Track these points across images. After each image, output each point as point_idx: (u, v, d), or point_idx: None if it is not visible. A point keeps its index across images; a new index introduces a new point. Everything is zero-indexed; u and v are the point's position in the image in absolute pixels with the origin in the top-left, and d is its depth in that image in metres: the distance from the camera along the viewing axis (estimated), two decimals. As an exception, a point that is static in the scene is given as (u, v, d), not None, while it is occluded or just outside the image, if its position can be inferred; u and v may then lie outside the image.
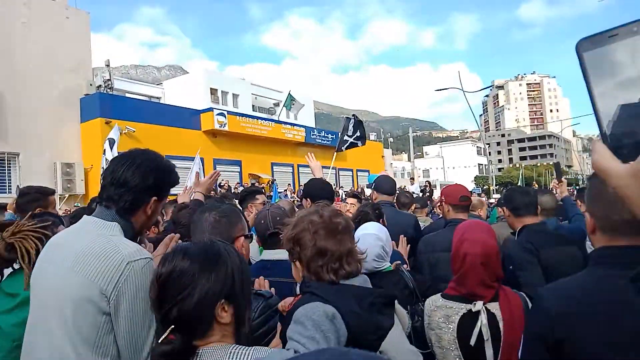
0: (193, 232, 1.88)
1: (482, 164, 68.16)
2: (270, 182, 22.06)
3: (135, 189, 1.52)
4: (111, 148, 13.84)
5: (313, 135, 26.11)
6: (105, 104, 16.41)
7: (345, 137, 10.69)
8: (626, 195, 0.48)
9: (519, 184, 43.76)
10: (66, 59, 16.51)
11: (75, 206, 13.40)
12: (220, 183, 19.49)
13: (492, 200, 14.79)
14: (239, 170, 21.50)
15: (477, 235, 2.02)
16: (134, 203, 1.53)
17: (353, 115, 9.97)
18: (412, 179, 23.57)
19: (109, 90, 17.51)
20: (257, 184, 21.03)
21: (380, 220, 3.06)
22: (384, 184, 4.25)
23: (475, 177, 61.64)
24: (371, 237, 2.40)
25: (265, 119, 24.16)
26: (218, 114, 20.12)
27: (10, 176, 15.12)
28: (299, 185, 24.04)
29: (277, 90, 37.14)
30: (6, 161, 15.00)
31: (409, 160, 51.80)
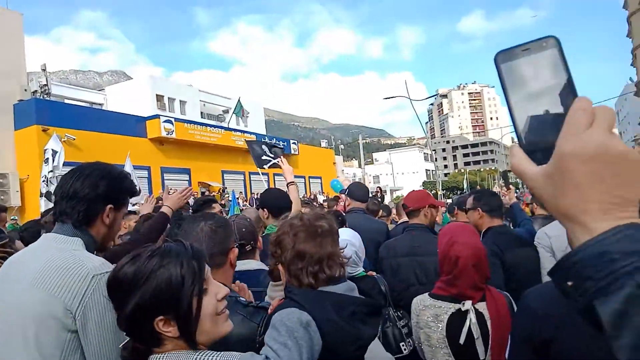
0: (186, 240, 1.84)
1: (429, 170, 70.41)
2: (221, 190, 21.64)
3: (85, 198, 1.48)
4: (53, 159, 12.97)
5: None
6: (42, 111, 15.45)
7: (265, 158, 10.87)
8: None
9: (465, 188, 45.55)
10: (-2, 63, 15.47)
11: (12, 219, 12.44)
12: (169, 192, 18.87)
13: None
14: (187, 178, 20.92)
15: (466, 238, 2.07)
16: (88, 213, 1.48)
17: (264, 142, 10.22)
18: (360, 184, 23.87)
19: (45, 95, 16.52)
20: (207, 193, 20.56)
21: (344, 227, 3.01)
22: (357, 191, 4.27)
23: (423, 182, 63.54)
24: (344, 242, 2.40)
25: (215, 126, 23.73)
26: (165, 121, 19.53)
27: None
28: (251, 193, 23.75)
29: (226, 97, 36.63)
30: None
31: (360, 166, 52.61)
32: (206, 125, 23.05)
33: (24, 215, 15.36)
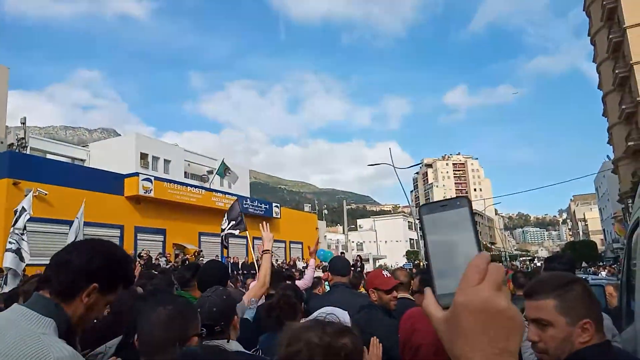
0: (141, 326, 1.66)
1: (413, 239, 70.09)
2: (196, 253, 20.92)
3: (74, 269, 1.36)
4: (21, 215, 12.37)
5: (246, 204, 25.55)
6: (15, 163, 15.08)
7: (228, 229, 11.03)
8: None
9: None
10: (-24, 113, 15.31)
11: None
12: (139, 253, 18.15)
13: None
14: (162, 239, 20.27)
15: (428, 324, 1.80)
16: (70, 286, 1.35)
17: (234, 201, 10.30)
18: (343, 253, 23.38)
19: (22, 149, 16.22)
20: (181, 255, 19.84)
21: (302, 304, 2.96)
22: (338, 265, 4.20)
23: (407, 252, 62.92)
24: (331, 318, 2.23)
25: (196, 186, 23.44)
26: (144, 179, 19.21)
27: None
28: (228, 257, 23.01)
29: (212, 157, 36.80)
30: None
31: (344, 232, 52.12)
32: (187, 185, 22.76)
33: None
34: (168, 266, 18.00)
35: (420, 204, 0.59)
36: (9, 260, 9.09)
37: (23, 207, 12.66)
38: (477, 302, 0.53)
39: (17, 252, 9.49)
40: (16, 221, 11.85)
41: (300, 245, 30.40)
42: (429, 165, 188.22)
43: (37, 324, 1.27)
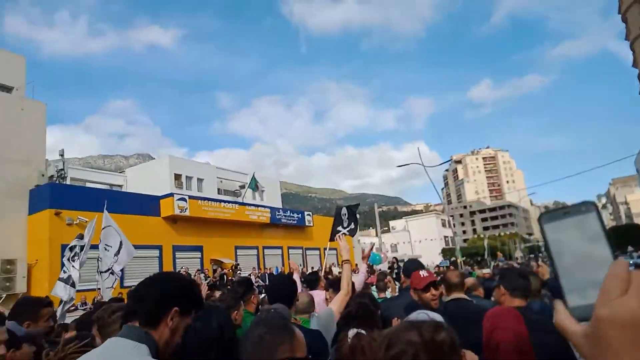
0: (241, 351, 1.64)
1: (447, 236, 68.91)
2: (233, 267, 21.25)
3: (155, 298, 1.55)
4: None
5: (278, 215, 25.82)
6: (56, 194, 15.74)
7: (339, 228, 10.80)
8: (580, 352, 0.54)
9: (485, 254, 44.13)
10: (18, 151, 16.05)
11: None
12: (179, 272, 18.58)
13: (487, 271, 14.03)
14: (200, 256, 20.68)
15: (508, 323, 2.05)
16: (154, 313, 1.53)
17: (346, 206, 9.93)
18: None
19: (61, 180, 16.92)
20: (219, 270, 20.18)
21: (379, 312, 2.88)
22: (411, 267, 3.98)
23: (442, 250, 61.93)
24: None
25: (228, 202, 23.82)
26: (179, 199, 19.69)
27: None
28: (264, 269, 23.25)
29: (243, 172, 37.28)
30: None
31: (377, 235, 51.80)
32: (220, 201, 23.16)
33: (33, 300, 15.14)
34: (207, 282, 18.36)
35: (540, 213, 0.57)
36: (59, 289, 9.45)
37: (80, 234, 13.22)
38: (624, 316, 0.49)
39: (67, 280, 9.89)
40: (73, 250, 12.39)
41: (334, 252, 30.42)
42: (458, 162, 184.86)
43: (135, 350, 1.45)
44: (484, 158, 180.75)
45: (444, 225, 70.17)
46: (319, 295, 4.87)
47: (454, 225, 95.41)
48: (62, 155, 17.17)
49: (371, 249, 5.88)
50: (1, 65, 18.08)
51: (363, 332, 2.09)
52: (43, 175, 16.29)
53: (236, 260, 22.20)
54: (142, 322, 1.52)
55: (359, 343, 2.02)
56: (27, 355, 2.35)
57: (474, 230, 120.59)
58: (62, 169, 16.91)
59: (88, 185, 25.14)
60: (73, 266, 9.90)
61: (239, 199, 29.34)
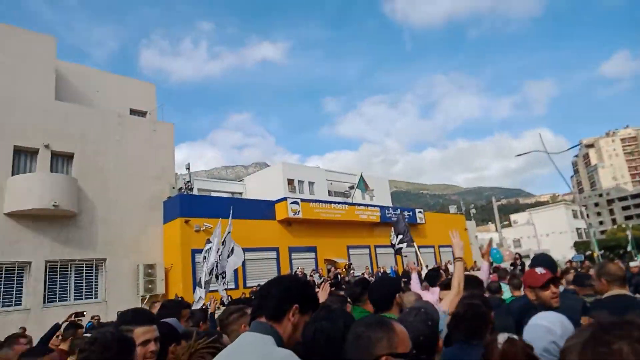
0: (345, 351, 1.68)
1: (580, 228, 62.17)
2: (346, 266, 21.60)
3: (279, 295, 1.75)
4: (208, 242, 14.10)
5: (388, 213, 25.66)
6: (184, 204, 17.53)
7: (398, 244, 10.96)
8: None
9: (629, 247, 38.89)
10: (152, 167, 18.23)
11: (94, 318, 13.08)
12: (295, 272, 19.41)
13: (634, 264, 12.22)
14: (314, 256, 21.39)
15: None
16: (278, 309, 1.73)
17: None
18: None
19: (188, 191, 18.82)
20: (333, 269, 20.68)
21: (492, 313, 2.69)
22: (545, 263, 3.72)
23: (575, 243, 56.01)
24: (541, 328, 2.20)
25: (339, 203, 24.31)
26: (292, 203, 20.64)
27: (97, 281, 16.19)
28: (377, 268, 23.25)
29: (351, 173, 37.81)
30: (94, 267, 16.18)
31: (496, 230, 48.66)
32: (330, 202, 23.76)
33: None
34: (321, 281, 18.94)
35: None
36: (198, 293, 10.39)
37: (209, 240, 14.55)
38: None
39: (198, 283, 10.91)
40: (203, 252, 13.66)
41: (449, 249, 29.28)
42: (590, 146, 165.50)
43: (262, 340, 1.66)
44: (622, 139, 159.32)
45: (575, 216, 63.44)
46: (437, 293, 4.68)
47: (588, 216, 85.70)
48: (188, 168, 19.14)
49: (490, 244, 5.54)
50: (136, 93, 20.77)
51: (515, 337, 1.96)
52: (174, 188, 18.25)
53: (349, 260, 22.55)
54: (268, 316, 1.72)
55: (512, 349, 1.88)
56: (184, 351, 2.54)
57: (613, 221, 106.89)
58: (189, 181, 18.83)
59: (213, 194, 27.57)
60: (203, 269, 10.92)
61: (349, 200, 29.78)
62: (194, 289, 12.13)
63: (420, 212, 28.42)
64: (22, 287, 14.58)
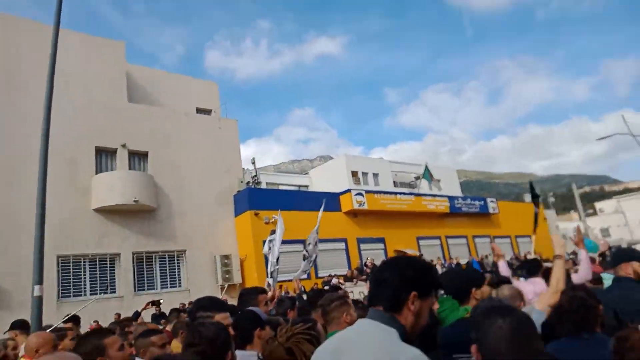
0: (483, 339, 1.63)
1: (679, 215, 56.23)
2: (417, 257, 21.04)
3: (392, 284, 1.58)
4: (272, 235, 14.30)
5: (458, 203, 24.68)
6: (253, 198, 17.92)
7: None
8: None
9: None
10: (220, 163, 18.81)
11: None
12: (365, 262, 19.20)
13: None
14: (383, 247, 21.04)
15: None
16: (395, 299, 1.56)
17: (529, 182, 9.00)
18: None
19: (256, 185, 19.23)
20: (403, 261, 20.21)
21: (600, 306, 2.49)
22: (624, 254, 3.50)
23: (673, 232, 50.75)
24: None
25: (404, 193, 23.72)
26: (356, 194, 20.42)
27: (179, 271, 17.02)
28: (450, 259, 22.41)
29: (416, 164, 36.86)
30: (175, 258, 17.02)
31: (580, 219, 45.22)
32: (395, 193, 23.25)
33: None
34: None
35: None
36: (270, 283, 10.54)
37: (272, 230, 14.78)
38: None
39: (272, 274, 11.07)
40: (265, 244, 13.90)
41: (528, 239, 27.58)
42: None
43: (387, 334, 1.49)
44: None
45: (671, 202, 57.52)
46: (539, 284, 4.43)
47: (687, 202, 77.39)
48: (253, 163, 19.58)
49: (579, 231, 4.95)
50: (200, 93, 21.52)
51: None
52: (242, 182, 18.73)
53: (419, 251, 21.96)
54: (386, 307, 1.57)
55: None
56: (268, 336, 2.62)
57: None
58: (255, 175, 19.24)
59: (281, 187, 28.07)
60: (269, 259, 11.08)
61: (415, 190, 29.00)
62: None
63: (492, 201, 27.04)
64: (114, 276, 15.63)
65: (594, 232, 50.44)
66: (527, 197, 38.41)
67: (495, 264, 22.90)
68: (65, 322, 5.86)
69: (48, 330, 4.35)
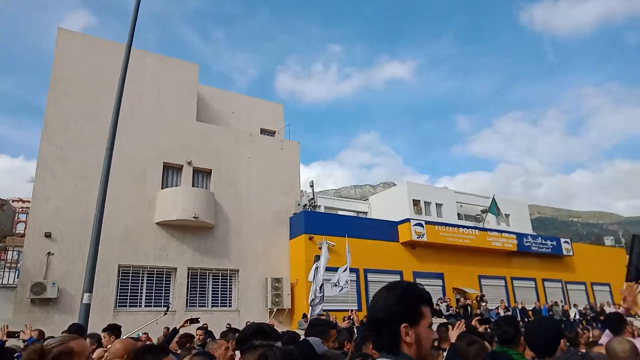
0: None
1: None
2: (478, 297, 19.72)
3: (379, 321, 1.50)
4: (316, 269, 13.97)
5: (527, 242, 22.99)
6: (308, 221, 17.77)
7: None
8: None
9: None
10: (280, 184, 18.96)
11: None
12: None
13: None
14: (441, 283, 19.94)
15: None
16: (389, 340, 1.48)
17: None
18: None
19: (312, 208, 19.10)
20: (462, 300, 19.03)
21: None
22: None
23: None
24: None
25: (468, 227, 22.48)
26: (415, 224, 19.64)
27: (231, 291, 17.11)
28: (515, 302, 20.78)
29: (484, 196, 35.15)
30: (228, 277, 17.16)
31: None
32: (458, 226, 22.09)
33: (292, 317, 17.18)
34: (449, 312, 17.47)
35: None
36: (310, 311, 10.24)
37: (318, 255, 14.47)
38: None
39: (311, 302, 10.75)
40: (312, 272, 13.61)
41: (607, 288, 25.06)
42: None
43: None
44: None
45: None
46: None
47: None
48: (312, 186, 19.51)
49: (635, 288, 4.23)
50: (266, 114, 22.02)
51: None
52: (299, 205, 18.70)
53: (481, 291, 20.58)
54: (387, 351, 1.50)
55: None
56: None
57: None
58: (312, 198, 19.14)
59: (340, 212, 27.76)
60: (312, 288, 10.79)
61: (481, 225, 27.52)
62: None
63: (566, 242, 24.92)
64: (169, 290, 16.04)
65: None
66: (608, 240, 35.12)
67: (565, 313, 20.91)
68: (104, 330, 5.93)
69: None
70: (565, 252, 24.15)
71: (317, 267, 11.65)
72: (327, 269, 13.35)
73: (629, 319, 4.02)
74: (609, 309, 20.18)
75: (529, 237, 23.73)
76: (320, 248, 17.02)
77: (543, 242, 23.69)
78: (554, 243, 24.08)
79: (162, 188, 16.75)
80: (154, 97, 17.59)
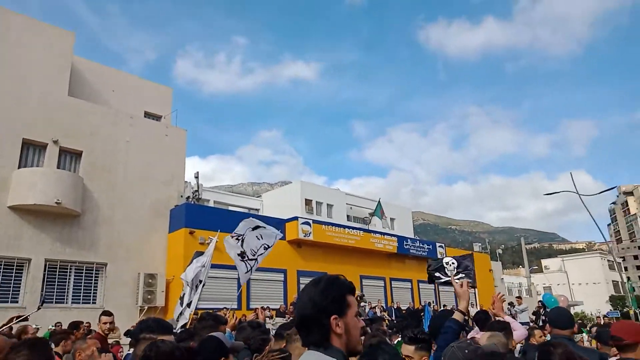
0: None
1: (617, 281, 58.36)
2: (358, 297, 20.22)
3: (310, 321, 1.50)
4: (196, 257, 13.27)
5: (407, 245, 24.24)
6: (190, 214, 16.74)
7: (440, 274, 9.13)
8: None
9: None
10: (161, 173, 17.62)
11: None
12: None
13: None
14: (323, 283, 20.11)
15: None
16: (318, 334, 1.47)
17: (456, 257, 7.82)
18: (519, 297, 19.96)
19: (196, 201, 18.06)
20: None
21: None
22: (557, 317, 3.91)
23: (610, 297, 52.38)
24: None
25: (354, 228, 23.07)
26: (303, 223, 19.59)
27: (96, 286, 15.49)
28: (392, 302, 21.73)
29: (373, 199, 36.59)
30: (94, 271, 15.52)
31: (526, 275, 45.91)
32: (345, 227, 22.55)
33: (166, 315, 16.04)
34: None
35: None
36: (176, 309, 9.46)
37: (200, 251, 13.59)
38: None
39: (180, 298, 9.95)
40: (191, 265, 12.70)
41: (472, 290, 27.42)
42: (629, 193, 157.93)
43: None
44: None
45: (611, 267, 59.67)
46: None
47: (626, 269, 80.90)
48: (197, 177, 18.44)
49: (500, 297, 4.85)
50: (152, 97, 20.43)
51: None
52: (182, 197, 17.57)
53: (361, 291, 21.15)
54: (317, 345, 1.50)
55: None
56: None
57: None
58: (197, 190, 18.09)
59: (230, 208, 26.83)
60: (186, 287, 9.99)
61: (368, 227, 28.51)
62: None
63: (441, 246, 26.81)
64: (20, 284, 14.12)
65: (537, 288, 51.28)
66: (476, 246, 38.70)
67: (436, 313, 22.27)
68: None
69: None
70: (439, 256, 25.89)
71: (203, 265, 10.85)
72: (215, 266, 12.62)
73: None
74: (472, 309, 22.01)
75: (409, 240, 25.06)
76: (202, 244, 16.15)
77: (421, 245, 25.19)
78: (430, 247, 25.73)
79: (19, 167, 14.64)
80: (17, 62, 15.30)
